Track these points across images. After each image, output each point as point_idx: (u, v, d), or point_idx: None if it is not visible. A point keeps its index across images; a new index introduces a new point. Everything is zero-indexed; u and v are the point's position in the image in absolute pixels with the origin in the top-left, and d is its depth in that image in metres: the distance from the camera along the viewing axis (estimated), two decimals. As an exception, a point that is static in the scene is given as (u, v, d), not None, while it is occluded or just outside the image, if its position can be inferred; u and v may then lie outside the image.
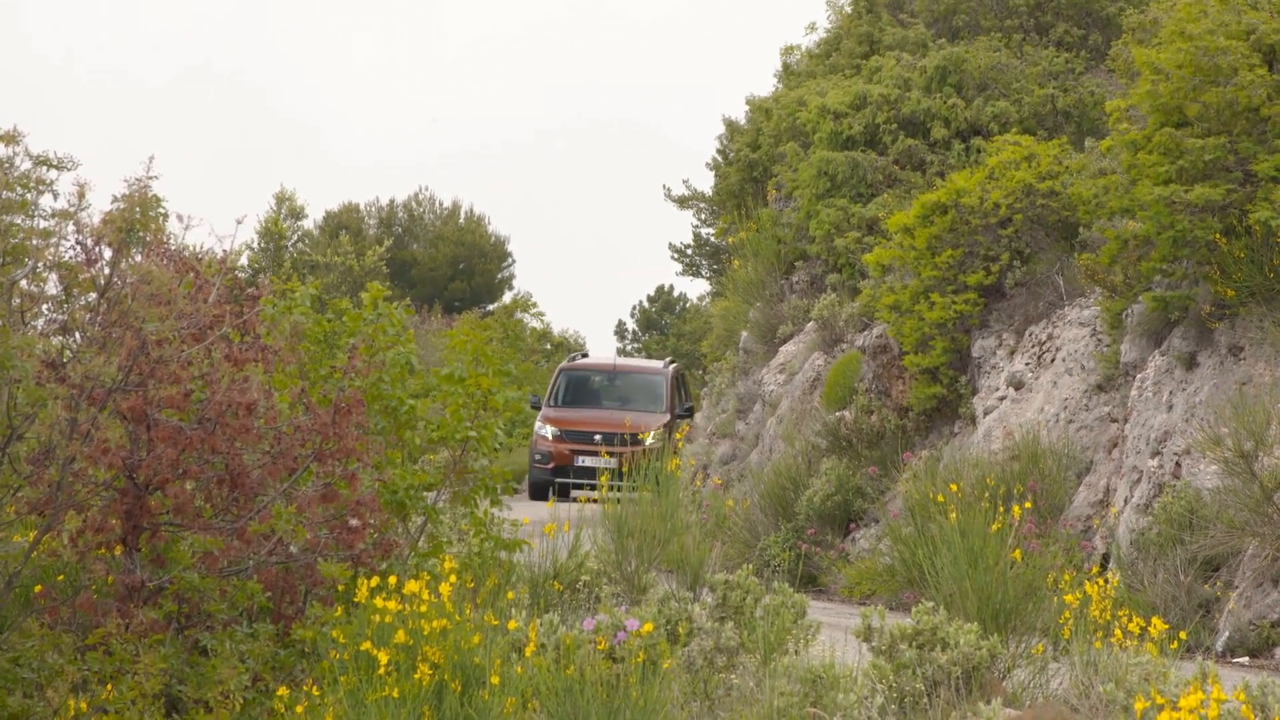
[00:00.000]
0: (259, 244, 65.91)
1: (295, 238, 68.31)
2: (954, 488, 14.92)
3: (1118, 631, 11.70)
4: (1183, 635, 12.69)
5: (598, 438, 33.38)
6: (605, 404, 36.03)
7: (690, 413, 36.19)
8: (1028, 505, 14.08)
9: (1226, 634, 17.47)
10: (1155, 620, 11.55)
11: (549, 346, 68.16)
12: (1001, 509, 13.59)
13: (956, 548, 13.22)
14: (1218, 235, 19.39)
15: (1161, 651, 11.54)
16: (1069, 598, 12.27)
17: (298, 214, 68.17)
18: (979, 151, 28.79)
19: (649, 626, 10.64)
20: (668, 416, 34.83)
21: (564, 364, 37.82)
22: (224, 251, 11.78)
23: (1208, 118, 19.69)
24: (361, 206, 77.35)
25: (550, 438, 34.33)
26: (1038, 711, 10.77)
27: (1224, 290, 19.46)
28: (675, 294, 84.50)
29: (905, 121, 30.32)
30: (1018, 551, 13.14)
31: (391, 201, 79.34)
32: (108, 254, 10.36)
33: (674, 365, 37.33)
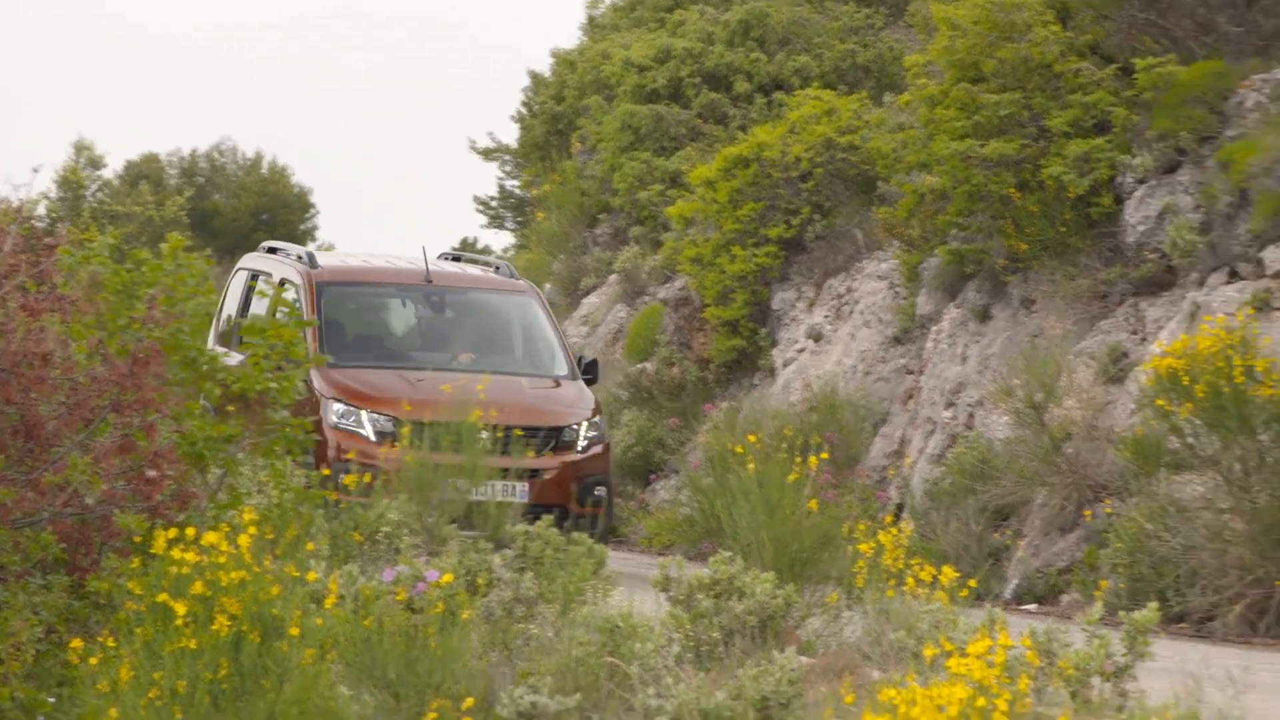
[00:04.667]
0: (57, 193, 64.90)
1: (95, 187, 67.36)
2: (752, 439, 15.04)
3: (910, 580, 11.86)
4: (973, 583, 12.88)
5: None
6: (434, 355, 18.84)
7: (594, 371, 19.71)
8: (824, 456, 14.19)
9: (1015, 582, 17.83)
10: (946, 569, 11.73)
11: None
12: (799, 460, 13.72)
13: (754, 498, 13.33)
14: (1012, 189, 19.71)
15: (952, 599, 11.71)
16: (863, 547, 12.40)
17: (97, 163, 67.22)
18: (781, 105, 28.97)
19: (449, 577, 10.69)
20: (579, 382, 19.00)
21: (309, 269, 18.56)
22: (19, 200, 11.64)
23: (1003, 74, 19.99)
24: (162, 156, 76.34)
25: (371, 436, 17.26)
26: (831, 659, 10.95)
27: (1017, 244, 19.80)
28: (479, 246, 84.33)
29: (708, 75, 30.43)
30: (814, 501, 13.28)
31: (193, 151, 78.34)
32: (-102, 202, 10.20)
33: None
